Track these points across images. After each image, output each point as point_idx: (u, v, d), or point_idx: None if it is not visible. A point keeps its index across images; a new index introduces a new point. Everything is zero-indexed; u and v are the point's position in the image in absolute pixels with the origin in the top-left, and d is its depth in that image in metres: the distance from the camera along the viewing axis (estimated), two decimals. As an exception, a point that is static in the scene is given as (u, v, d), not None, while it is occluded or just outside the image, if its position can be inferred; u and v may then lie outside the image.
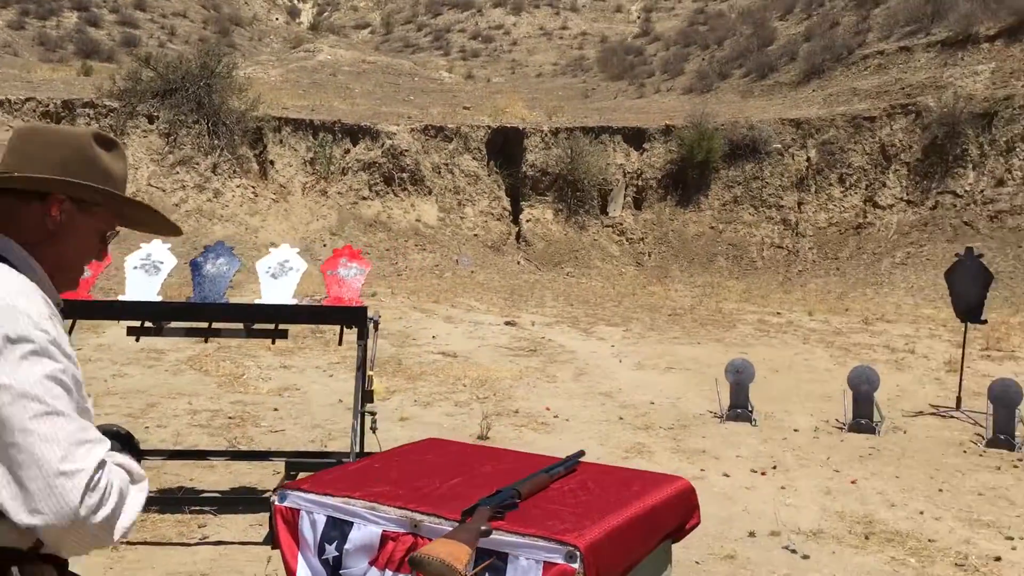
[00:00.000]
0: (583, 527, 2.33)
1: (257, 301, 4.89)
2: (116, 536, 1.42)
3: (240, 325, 4.83)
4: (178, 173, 19.38)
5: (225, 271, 4.86)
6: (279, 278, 4.81)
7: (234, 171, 20.01)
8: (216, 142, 19.84)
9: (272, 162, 21.02)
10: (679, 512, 2.72)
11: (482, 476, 2.75)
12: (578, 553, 2.22)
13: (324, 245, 18.91)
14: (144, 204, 1.72)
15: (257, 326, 4.82)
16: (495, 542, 2.35)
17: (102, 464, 1.40)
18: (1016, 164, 19.40)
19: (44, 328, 1.43)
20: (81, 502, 1.35)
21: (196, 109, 19.90)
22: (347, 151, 21.81)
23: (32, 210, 1.56)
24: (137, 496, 1.49)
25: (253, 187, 20.18)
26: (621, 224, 22.35)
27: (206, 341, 4.92)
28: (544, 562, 2.27)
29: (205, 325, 4.86)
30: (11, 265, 1.51)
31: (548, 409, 8.19)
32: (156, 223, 1.78)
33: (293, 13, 46.98)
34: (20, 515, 1.35)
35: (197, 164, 19.57)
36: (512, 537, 2.33)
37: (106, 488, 1.39)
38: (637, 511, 2.50)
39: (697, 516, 2.80)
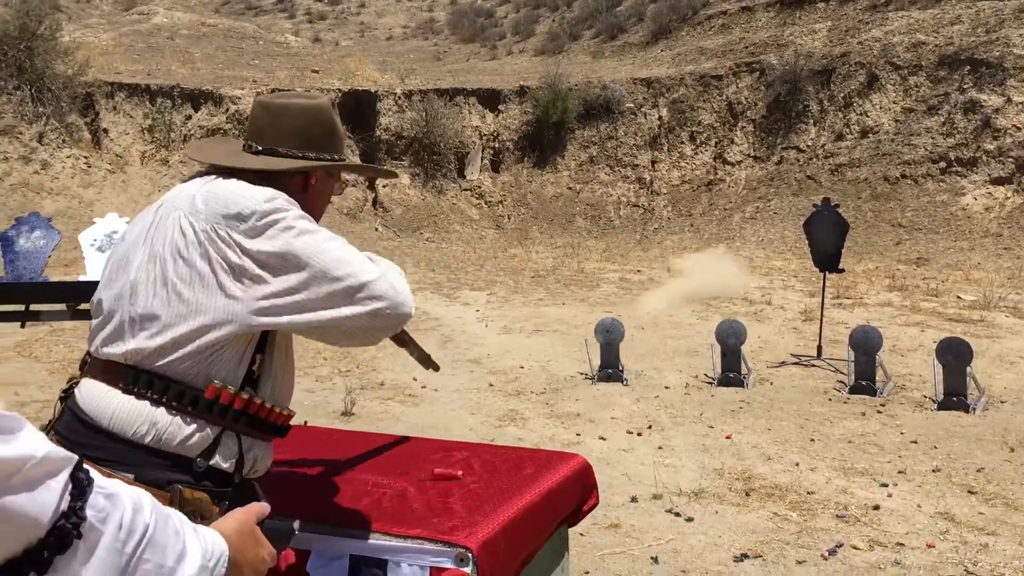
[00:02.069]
0: (474, 523, 2.01)
1: (83, 278, 4.31)
2: None
3: (63, 306, 4.24)
4: (-2, 144, 17.75)
5: (42, 246, 4.25)
6: (107, 251, 4.24)
7: (63, 141, 18.51)
8: (41, 109, 18.27)
9: (106, 130, 19.58)
10: (576, 494, 2.45)
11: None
12: (470, 555, 1.91)
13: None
14: (366, 165, 2.23)
15: (83, 307, 4.24)
16: (371, 547, 2.01)
17: None
18: (854, 119, 20.21)
19: None
20: None
21: (16, 74, 18.26)
22: (188, 117, 20.58)
23: (294, 177, 1.87)
24: None
25: (86, 157, 18.74)
26: (479, 187, 22.09)
27: (23, 326, 4.30)
28: (431, 567, 1.95)
29: (22, 308, 4.25)
30: None
31: (415, 380, 7.85)
32: (373, 173, 2.28)
33: (123, -27, 44.01)
34: None
35: (21, 134, 17.97)
36: (391, 540, 1.99)
37: None
38: (532, 498, 2.21)
39: (595, 496, 2.54)
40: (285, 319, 1.64)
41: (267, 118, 1.89)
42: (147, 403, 1.60)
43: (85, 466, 0.96)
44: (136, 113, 20.09)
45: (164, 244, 1.68)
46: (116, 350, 1.65)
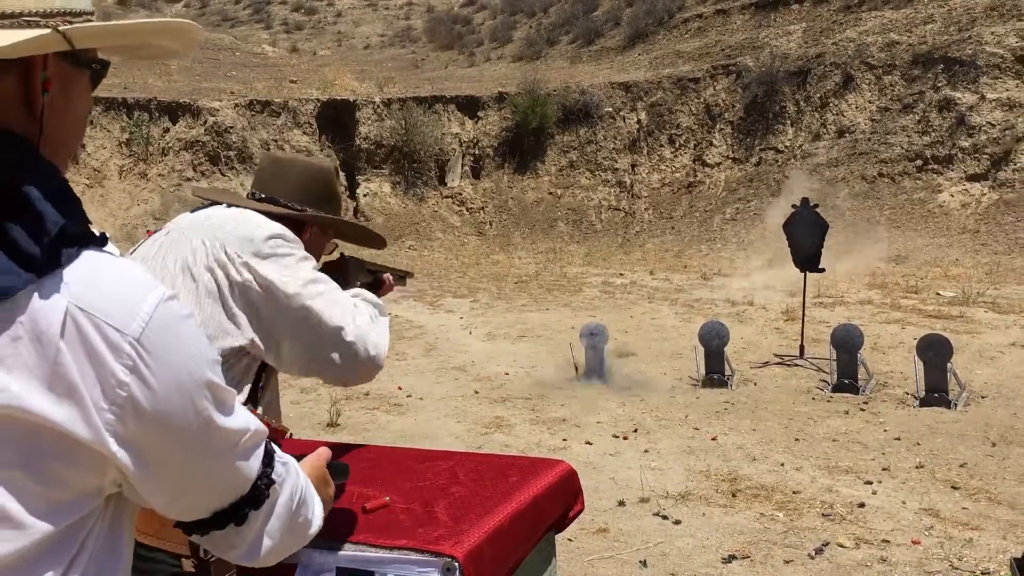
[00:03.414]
0: (460, 532, 2.01)
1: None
2: None
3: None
4: (-27, 161, 17.61)
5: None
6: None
7: (39, 157, 18.38)
8: (15, 126, 18.15)
9: (83, 145, 19.45)
10: (562, 500, 2.45)
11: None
12: (456, 565, 1.90)
13: (147, 231, 17.68)
14: (359, 224, 2.27)
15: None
16: (355, 559, 2.00)
17: None
18: (830, 119, 20.37)
19: None
20: None
21: (-11, 90, 18.13)
22: (166, 130, 20.50)
23: (290, 226, 1.88)
24: None
25: (62, 173, 18.61)
26: (460, 194, 22.10)
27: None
28: (417, 578, 1.95)
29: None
30: None
31: (400, 389, 7.84)
32: (363, 236, 2.26)
33: (96, -14, 43.80)
34: None
35: (-5, 151, 17.84)
36: (375, 552, 1.98)
37: None
38: (518, 506, 2.20)
39: (581, 502, 2.53)
40: (274, 347, 1.76)
41: (272, 170, 2.02)
42: None
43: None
44: (113, 127, 19.99)
45: (176, 261, 1.76)
46: None
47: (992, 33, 18.84)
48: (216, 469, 1.04)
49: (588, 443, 6.11)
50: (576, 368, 8.12)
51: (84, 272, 0.92)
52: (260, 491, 1.10)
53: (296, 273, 1.76)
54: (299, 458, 1.50)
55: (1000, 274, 13.54)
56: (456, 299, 12.99)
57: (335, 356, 1.77)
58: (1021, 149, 17.60)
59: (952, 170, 18.08)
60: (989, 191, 17.38)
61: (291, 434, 4.80)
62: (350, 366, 1.79)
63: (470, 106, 23.02)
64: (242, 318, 1.73)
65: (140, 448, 0.94)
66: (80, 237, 0.94)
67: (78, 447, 0.90)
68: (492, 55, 31.49)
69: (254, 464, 1.09)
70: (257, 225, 1.79)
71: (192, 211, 1.95)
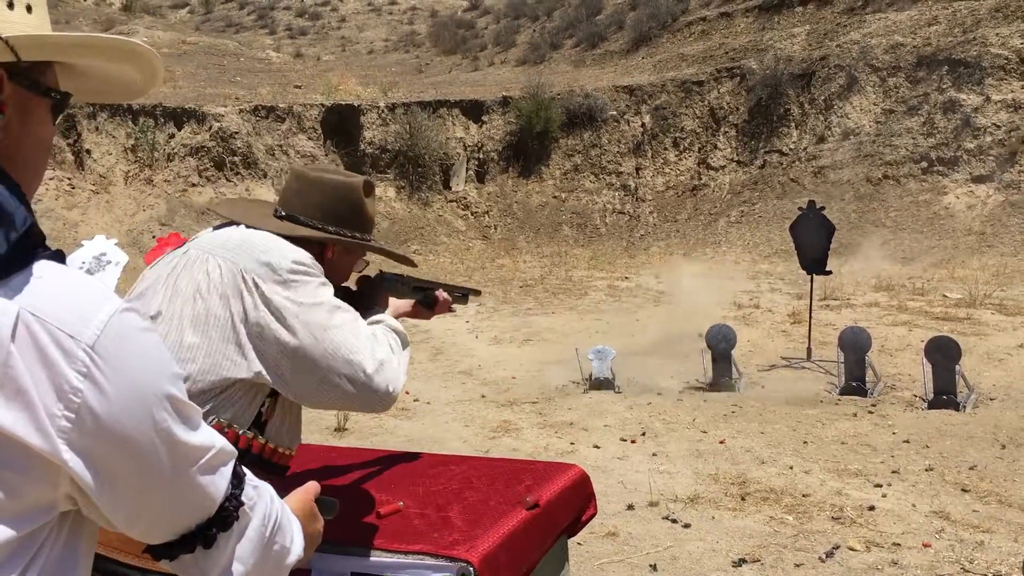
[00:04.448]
0: (474, 537, 2.01)
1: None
2: None
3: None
4: (-21, 168, 17.66)
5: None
6: (96, 273, 4.23)
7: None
8: (22, 132, 18.19)
9: (89, 151, 19.49)
10: (575, 505, 2.45)
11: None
12: (472, 569, 1.91)
13: (153, 236, 17.70)
14: (387, 249, 2.18)
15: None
16: (372, 564, 2.01)
17: None
18: (835, 121, 20.34)
19: None
20: None
21: (-4, 97, 18.18)
22: (172, 136, 20.51)
23: (311, 246, 1.88)
24: None
25: (69, 179, 18.66)
26: (465, 198, 22.10)
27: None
28: (433, 582, 1.95)
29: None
30: None
31: (408, 393, 7.84)
32: (393, 258, 2.24)
33: (101, -7, 43.91)
34: None
35: (1, 157, 17.89)
36: (392, 557, 1.99)
37: None
38: (532, 510, 2.21)
39: (594, 506, 2.54)
40: (284, 379, 1.73)
41: (297, 187, 1.98)
42: None
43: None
44: (119, 133, 20.02)
45: (188, 283, 1.74)
46: None
47: (997, 35, 18.81)
48: (178, 485, 1.00)
49: (596, 447, 6.10)
50: (584, 381, 8.12)
51: (38, 280, 0.91)
52: (228, 512, 1.06)
53: (312, 303, 1.73)
54: (288, 491, 1.50)
55: (1007, 276, 13.51)
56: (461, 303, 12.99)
57: (349, 388, 1.74)
58: (1027, 150, 17.56)
59: (958, 172, 18.04)
60: (995, 193, 17.34)
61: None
62: (364, 400, 1.77)
63: (474, 110, 23.02)
64: (250, 350, 1.70)
65: (96, 459, 0.91)
66: (41, 244, 0.94)
67: (29, 455, 0.88)
68: (496, 59, 31.51)
69: (220, 483, 1.05)
70: (277, 251, 1.76)
71: (214, 228, 1.95)
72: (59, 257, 0.97)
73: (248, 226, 1.88)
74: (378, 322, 1.96)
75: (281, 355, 1.71)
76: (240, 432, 1.71)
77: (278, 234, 1.85)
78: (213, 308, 1.70)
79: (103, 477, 0.92)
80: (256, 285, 1.70)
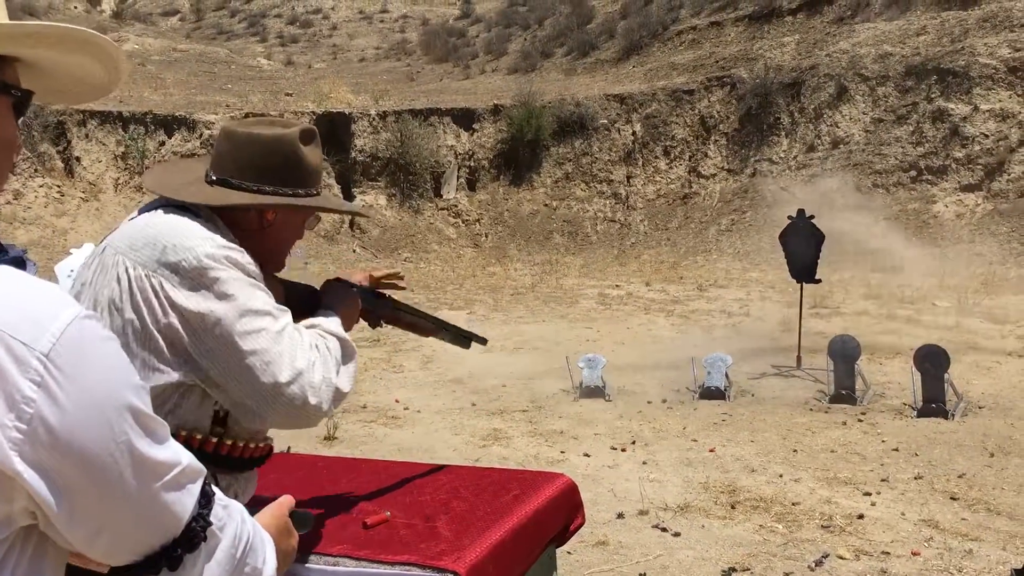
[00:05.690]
0: (461, 547, 2.00)
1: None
2: None
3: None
4: (-32, 175, 17.57)
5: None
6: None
7: (35, 170, 18.36)
8: (11, 139, 18.12)
9: (79, 158, 19.45)
10: (563, 514, 2.45)
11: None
12: (459, 579, 1.90)
13: (142, 245, 17.66)
14: (334, 207, 1.98)
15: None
16: (358, 575, 1.99)
17: None
18: (824, 130, 20.44)
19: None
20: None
21: (-16, 104, 18.12)
22: (162, 143, 20.49)
23: (249, 214, 1.76)
24: None
25: (59, 186, 18.60)
26: (456, 206, 22.11)
27: None
28: (420, 593, 1.94)
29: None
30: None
31: (397, 401, 7.83)
32: (342, 213, 2.17)
33: (93, 1, 43.86)
34: None
35: (-10, 164, 17.80)
36: (378, 568, 1.98)
37: None
38: (519, 520, 2.20)
39: (582, 516, 2.53)
40: (209, 384, 1.63)
41: (227, 146, 1.78)
42: None
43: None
44: (108, 140, 19.98)
45: (105, 294, 1.63)
46: None
47: (985, 44, 18.94)
48: (140, 503, 0.95)
49: (586, 455, 6.10)
50: (575, 389, 8.11)
51: None
52: (195, 533, 1.02)
53: (221, 308, 1.59)
54: (262, 506, 1.47)
55: (995, 284, 13.58)
56: (452, 311, 12.98)
57: (262, 399, 1.62)
58: (1015, 159, 17.67)
59: (946, 180, 18.15)
60: (983, 201, 17.44)
61: (289, 448, 4.79)
62: (281, 412, 1.64)
63: (465, 118, 23.06)
64: (170, 356, 1.59)
65: (52, 472, 0.87)
66: None
67: None
68: (487, 67, 31.57)
69: (187, 502, 1.00)
70: (185, 247, 1.60)
71: (139, 210, 1.79)
72: (18, 263, 0.94)
73: (173, 205, 1.71)
74: (313, 326, 1.80)
75: (199, 362, 1.60)
76: (203, 437, 1.64)
77: (208, 206, 1.71)
78: (128, 318, 1.59)
79: (60, 492, 0.88)
80: (162, 288, 1.58)
